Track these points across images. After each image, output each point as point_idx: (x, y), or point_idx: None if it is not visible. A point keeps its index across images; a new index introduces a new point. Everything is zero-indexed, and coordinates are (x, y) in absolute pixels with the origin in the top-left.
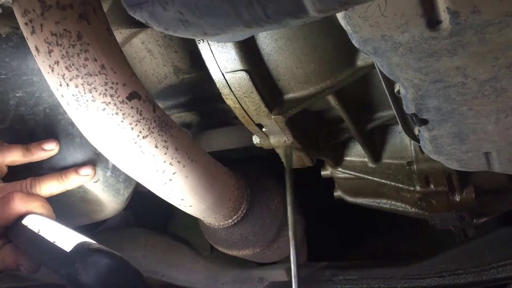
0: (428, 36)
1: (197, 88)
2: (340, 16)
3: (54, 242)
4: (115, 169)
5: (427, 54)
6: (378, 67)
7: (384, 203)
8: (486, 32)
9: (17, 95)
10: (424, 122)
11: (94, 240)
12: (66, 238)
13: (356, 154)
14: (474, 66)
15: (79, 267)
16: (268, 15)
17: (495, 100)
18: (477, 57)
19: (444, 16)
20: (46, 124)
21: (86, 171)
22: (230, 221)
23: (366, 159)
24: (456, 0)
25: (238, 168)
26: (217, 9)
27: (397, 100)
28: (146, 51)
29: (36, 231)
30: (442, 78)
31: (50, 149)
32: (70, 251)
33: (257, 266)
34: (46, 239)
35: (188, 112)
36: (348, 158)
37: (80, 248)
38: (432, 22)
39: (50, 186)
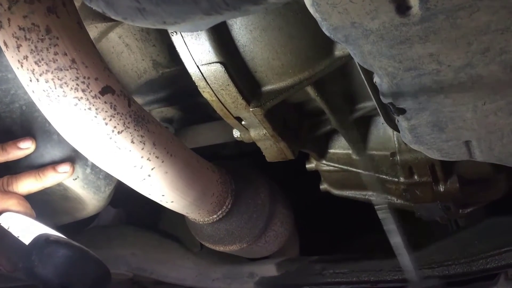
0: (399, 23)
1: (177, 82)
2: (308, 3)
3: (18, 237)
4: (94, 166)
5: (399, 41)
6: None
7: (370, 195)
8: (457, 16)
9: None
10: (401, 111)
11: (83, 238)
12: (31, 232)
13: (340, 146)
14: (447, 53)
15: (35, 259)
16: (226, 2)
17: (472, 87)
18: (449, 43)
19: (414, 1)
20: (23, 122)
21: (64, 168)
22: (215, 216)
23: (350, 151)
24: None
25: (224, 163)
26: None
27: (376, 90)
28: (124, 46)
29: (6, 228)
30: (416, 65)
31: (26, 147)
32: (28, 244)
33: (248, 261)
34: (12, 235)
35: (169, 107)
36: (332, 151)
37: (37, 241)
38: (402, 7)
39: (27, 184)
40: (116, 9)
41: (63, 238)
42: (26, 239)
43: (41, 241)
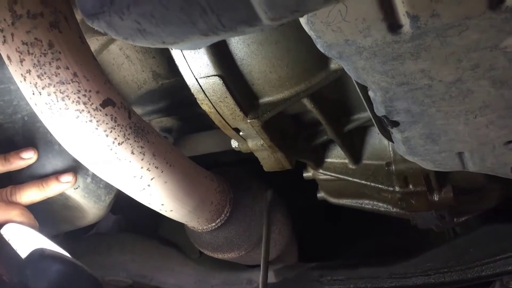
0: (391, 40)
1: (177, 93)
2: (303, 21)
3: (17, 249)
4: (95, 176)
5: (391, 57)
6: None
7: (367, 204)
8: (447, 35)
9: None
10: (395, 124)
11: (83, 245)
12: (30, 246)
13: (337, 155)
14: (438, 69)
15: (29, 273)
16: (223, 23)
17: (463, 101)
18: (440, 59)
19: (405, 20)
20: (25, 132)
21: (67, 178)
22: (214, 224)
23: (346, 161)
24: (415, 4)
25: (222, 171)
26: (173, 18)
27: (371, 103)
28: (124, 57)
29: (7, 240)
30: (408, 80)
31: (28, 157)
32: (24, 258)
33: (246, 268)
34: (11, 247)
35: (168, 117)
36: (328, 160)
37: (32, 255)
38: (393, 26)
39: (31, 194)
40: (117, 29)
41: (58, 253)
42: (24, 253)
43: (35, 256)
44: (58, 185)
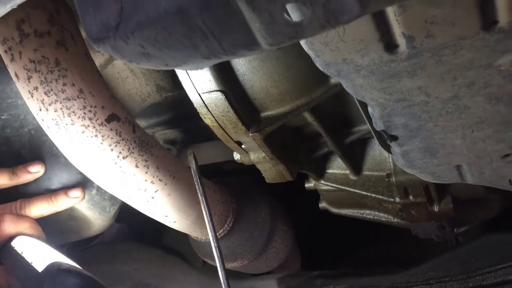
0: (388, 59)
1: (180, 105)
2: (302, 41)
3: (32, 263)
4: (100, 188)
5: (388, 75)
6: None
7: (368, 214)
8: (442, 54)
9: (2, 117)
10: (394, 138)
11: (88, 254)
12: (44, 259)
13: (338, 166)
14: (434, 86)
15: (47, 287)
16: (224, 48)
17: (459, 116)
18: (436, 77)
19: (401, 40)
20: (32, 145)
21: (75, 193)
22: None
23: (347, 172)
24: (410, 26)
25: (225, 181)
26: (176, 43)
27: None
28: (129, 71)
29: (20, 253)
30: (406, 97)
31: (35, 171)
32: (41, 272)
33: (249, 277)
34: (26, 260)
35: (172, 129)
36: (330, 171)
37: (50, 269)
38: (390, 46)
39: (40, 208)
40: (122, 53)
41: (75, 267)
42: (39, 266)
43: (53, 270)
44: (67, 200)
